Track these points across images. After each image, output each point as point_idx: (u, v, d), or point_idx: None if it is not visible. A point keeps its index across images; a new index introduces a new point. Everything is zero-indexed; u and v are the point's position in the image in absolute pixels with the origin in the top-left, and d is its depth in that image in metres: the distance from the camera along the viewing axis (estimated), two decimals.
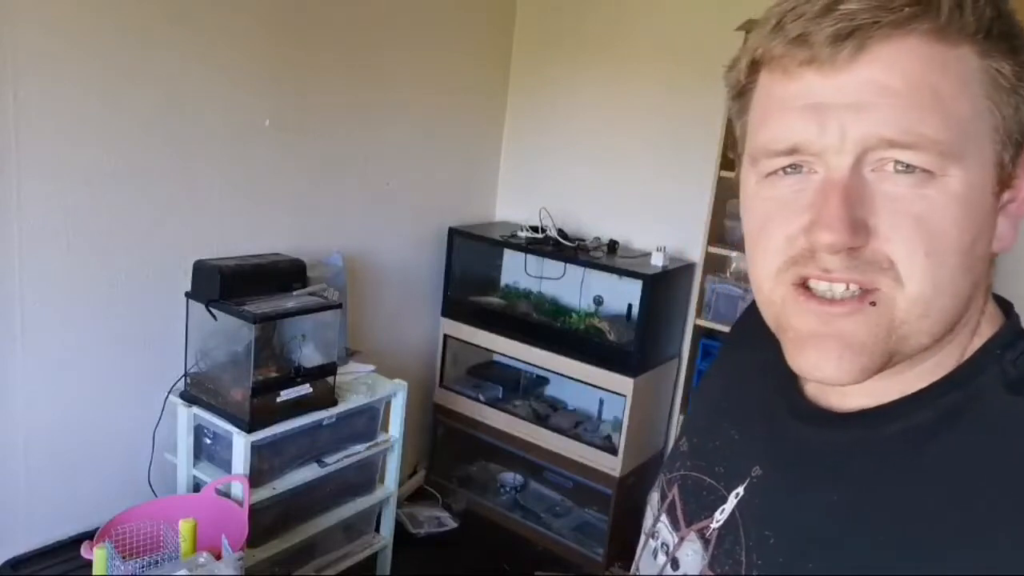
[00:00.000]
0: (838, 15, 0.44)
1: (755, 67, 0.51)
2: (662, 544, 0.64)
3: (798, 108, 0.47)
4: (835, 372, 0.48)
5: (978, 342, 0.52)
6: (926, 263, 0.45)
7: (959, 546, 0.44)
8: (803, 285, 0.48)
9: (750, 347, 0.64)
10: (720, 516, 0.58)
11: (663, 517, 0.65)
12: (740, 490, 0.58)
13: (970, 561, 0.43)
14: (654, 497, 0.69)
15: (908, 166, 0.45)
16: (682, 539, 0.61)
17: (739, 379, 0.67)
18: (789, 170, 0.49)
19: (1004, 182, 0.48)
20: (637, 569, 0.67)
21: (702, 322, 2.56)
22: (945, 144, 0.45)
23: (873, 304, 0.46)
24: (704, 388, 0.74)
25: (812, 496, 0.52)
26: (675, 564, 0.61)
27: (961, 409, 0.49)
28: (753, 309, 0.58)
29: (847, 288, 0.47)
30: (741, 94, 0.53)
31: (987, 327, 0.52)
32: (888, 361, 0.48)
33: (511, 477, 3.06)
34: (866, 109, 0.45)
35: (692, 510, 0.62)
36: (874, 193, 0.46)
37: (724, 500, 0.59)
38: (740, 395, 0.65)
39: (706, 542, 0.59)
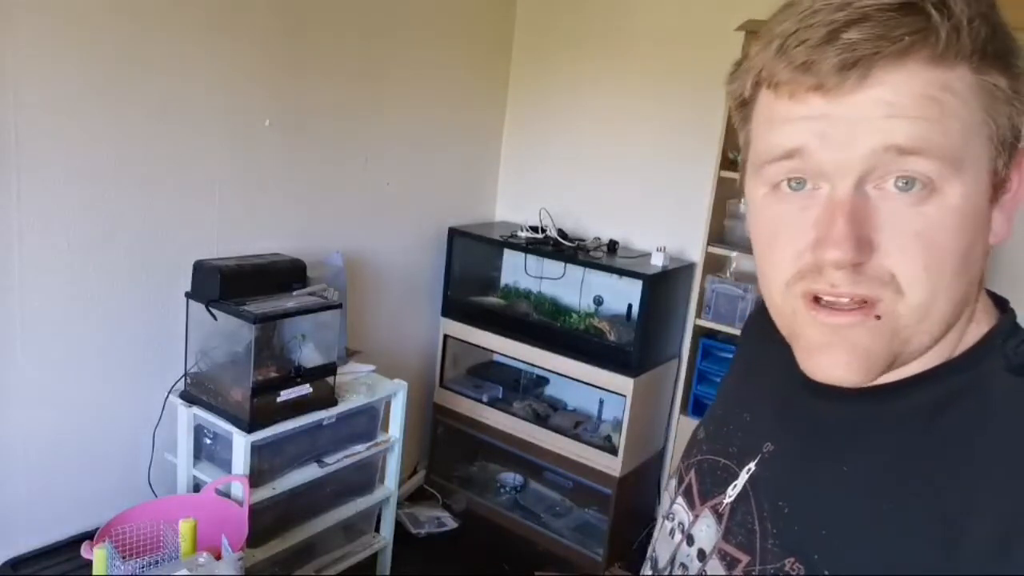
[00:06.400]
0: (841, 45, 0.46)
1: (757, 85, 0.53)
2: (678, 524, 0.66)
3: (800, 118, 0.49)
4: (844, 375, 0.51)
5: (974, 329, 0.54)
6: (925, 276, 0.48)
7: (969, 515, 0.46)
8: (813, 298, 0.51)
9: (760, 339, 0.67)
10: (732, 492, 0.61)
11: (679, 499, 0.68)
12: (752, 465, 0.61)
13: (980, 530, 0.45)
14: (671, 483, 0.72)
15: (908, 182, 0.47)
16: (697, 517, 0.64)
17: (751, 369, 0.71)
18: (795, 185, 0.51)
19: (998, 186, 0.51)
20: (654, 550, 0.70)
21: (702, 322, 2.56)
22: (949, 151, 0.47)
23: (878, 318, 0.49)
24: (723, 383, 0.78)
25: (825, 467, 0.55)
26: (690, 540, 0.64)
27: (967, 389, 0.52)
28: (762, 307, 0.61)
29: (851, 300, 0.50)
30: (744, 104, 0.55)
31: (983, 316, 0.55)
32: (893, 362, 0.51)
33: (511, 477, 3.06)
34: (873, 122, 0.47)
35: (706, 489, 0.65)
36: (877, 210, 0.48)
37: (736, 476, 0.62)
38: (753, 381, 0.68)
39: (719, 516, 0.61)
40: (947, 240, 0.48)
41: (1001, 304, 0.57)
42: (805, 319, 0.52)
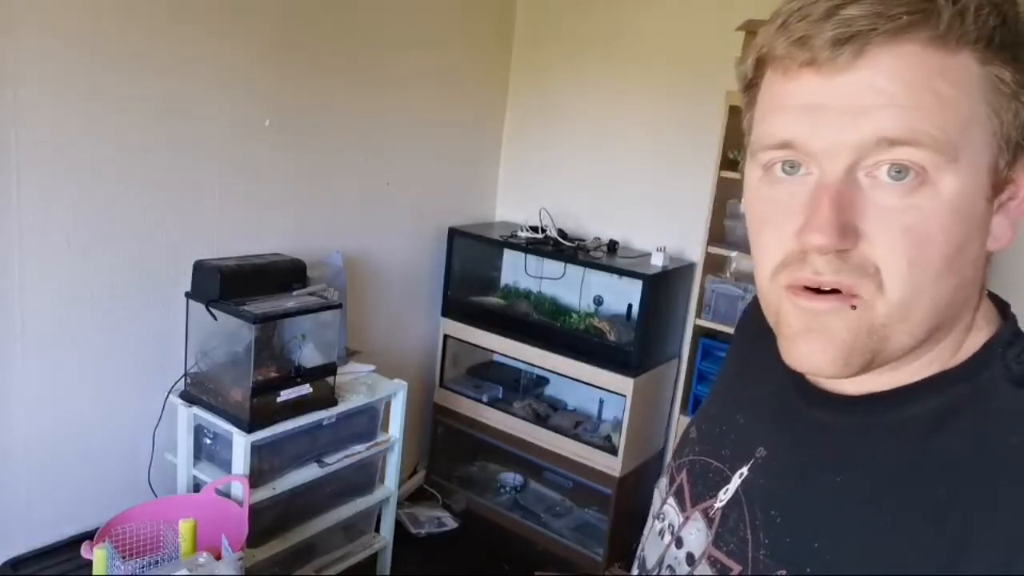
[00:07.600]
0: (838, 20, 0.45)
1: (761, 64, 0.52)
2: (668, 525, 0.65)
3: (793, 107, 0.49)
4: (821, 365, 0.50)
5: (975, 338, 0.53)
6: (909, 271, 0.47)
7: (972, 534, 0.45)
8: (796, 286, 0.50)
9: (755, 335, 0.66)
10: (724, 496, 0.60)
11: (670, 499, 0.67)
12: (744, 470, 0.60)
13: (983, 550, 0.44)
14: (662, 482, 0.71)
15: (901, 171, 0.46)
16: (687, 519, 0.63)
17: (746, 366, 0.69)
18: (788, 169, 0.50)
19: (998, 186, 0.49)
20: (643, 549, 0.69)
21: (702, 322, 2.56)
22: (943, 142, 0.45)
23: (854, 308, 0.48)
24: (717, 380, 0.76)
25: (819, 477, 0.54)
26: (679, 543, 0.63)
27: (968, 401, 0.50)
28: (757, 300, 0.60)
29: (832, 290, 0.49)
30: (749, 88, 0.54)
31: (984, 324, 0.53)
32: (872, 359, 0.50)
33: (511, 477, 3.06)
34: (864, 112, 0.46)
35: (698, 492, 0.64)
36: (866, 199, 0.47)
37: (728, 481, 0.61)
38: (747, 381, 0.67)
39: (710, 521, 0.60)
40: (937, 235, 0.46)
41: (1003, 309, 0.56)
42: (788, 306, 0.51)
